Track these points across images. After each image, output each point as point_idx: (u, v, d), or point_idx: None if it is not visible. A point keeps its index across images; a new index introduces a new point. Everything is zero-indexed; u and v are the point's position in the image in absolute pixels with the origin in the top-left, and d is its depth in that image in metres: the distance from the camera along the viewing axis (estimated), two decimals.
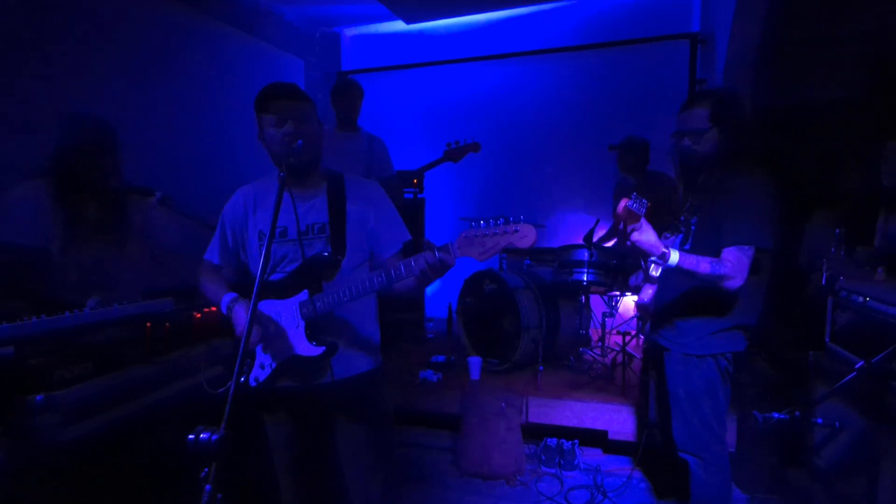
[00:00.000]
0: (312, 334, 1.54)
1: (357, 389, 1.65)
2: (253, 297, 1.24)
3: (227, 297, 1.59)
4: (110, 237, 2.11)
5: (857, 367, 1.72)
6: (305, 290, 1.55)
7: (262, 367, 1.59)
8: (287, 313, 1.57)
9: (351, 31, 5.56)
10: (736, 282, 1.74)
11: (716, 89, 3.44)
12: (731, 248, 1.76)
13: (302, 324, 1.55)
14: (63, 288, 1.92)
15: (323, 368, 1.59)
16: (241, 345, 1.19)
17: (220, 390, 1.51)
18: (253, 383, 1.59)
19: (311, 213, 1.62)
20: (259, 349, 1.60)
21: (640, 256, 1.86)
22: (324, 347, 1.53)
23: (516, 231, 1.33)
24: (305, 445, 1.70)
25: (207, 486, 1.01)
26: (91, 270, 2.02)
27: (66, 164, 2.00)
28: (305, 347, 1.54)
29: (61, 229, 1.97)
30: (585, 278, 3.43)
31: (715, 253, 1.78)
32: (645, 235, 1.70)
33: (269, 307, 1.59)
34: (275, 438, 1.70)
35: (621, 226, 1.75)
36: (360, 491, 1.69)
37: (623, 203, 1.68)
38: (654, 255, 1.72)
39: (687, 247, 1.95)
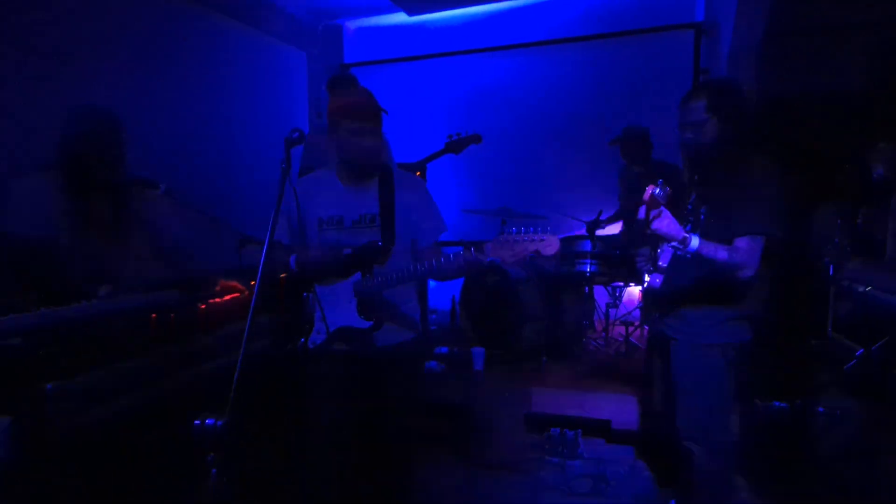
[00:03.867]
0: (362, 310, 1.79)
1: (393, 356, 1.88)
2: (255, 287, 1.33)
3: (293, 257, 1.83)
4: (116, 229, 2.13)
5: (857, 355, 1.73)
6: (359, 273, 1.78)
7: (318, 333, 1.87)
8: (343, 290, 1.82)
9: (353, 24, 5.54)
10: (748, 271, 1.76)
11: (713, 79, 3.42)
12: (743, 238, 1.78)
13: (353, 300, 1.80)
14: (70, 278, 1.94)
15: (368, 338, 1.84)
16: (248, 324, 1.28)
17: (301, 342, 1.88)
18: (311, 346, 1.88)
19: (364, 204, 1.85)
20: (317, 318, 1.86)
21: (655, 245, 1.88)
22: (371, 322, 1.78)
23: (542, 240, 1.50)
24: (344, 399, 1.89)
25: (213, 470, 1.03)
26: (97, 262, 2.03)
27: (73, 155, 2.02)
28: (354, 320, 1.79)
29: (68, 221, 1.99)
30: (588, 269, 3.44)
31: (724, 242, 1.80)
32: (666, 222, 1.74)
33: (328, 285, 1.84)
34: (320, 390, 1.91)
35: (642, 213, 1.76)
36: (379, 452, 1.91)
37: (650, 190, 1.72)
38: (675, 241, 1.75)
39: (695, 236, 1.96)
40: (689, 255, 1.78)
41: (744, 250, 1.76)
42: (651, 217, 1.73)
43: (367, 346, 1.85)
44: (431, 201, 1.95)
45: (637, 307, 3.88)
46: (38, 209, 1.97)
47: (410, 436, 2.00)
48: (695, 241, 1.75)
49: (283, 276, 2.19)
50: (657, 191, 1.70)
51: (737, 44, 3.65)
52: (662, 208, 1.73)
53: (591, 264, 3.44)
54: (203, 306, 2.08)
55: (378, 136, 1.80)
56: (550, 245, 1.49)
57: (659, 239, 1.81)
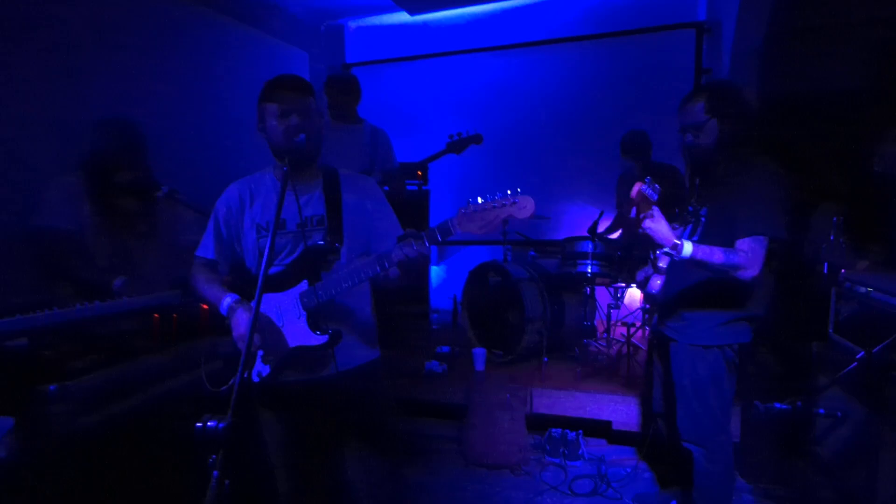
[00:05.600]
0: (315, 324, 1.55)
1: (358, 381, 1.65)
2: (258, 290, 1.24)
3: (228, 299, 1.56)
4: (136, 228, 2.25)
5: (857, 357, 1.72)
6: (305, 281, 1.55)
7: (264, 362, 1.59)
8: (287, 306, 1.57)
9: (354, 23, 5.55)
10: (751, 272, 1.74)
11: (712, 81, 3.41)
12: (745, 239, 1.77)
13: (304, 314, 1.55)
14: (93, 272, 2.07)
15: (326, 359, 1.60)
16: (246, 344, 1.18)
17: (223, 388, 1.51)
18: (256, 379, 1.58)
19: (309, 206, 1.63)
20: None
21: (650, 246, 1.86)
22: (327, 336, 1.53)
23: (515, 203, 1.33)
24: (308, 440, 1.70)
25: (215, 473, 1.04)
26: (118, 258, 2.16)
27: (100, 162, 2.19)
28: (309, 337, 1.54)
29: (93, 219, 2.13)
30: (590, 270, 3.43)
31: (726, 244, 1.79)
32: (657, 225, 1.70)
33: (268, 301, 1.58)
34: (275, 434, 1.68)
35: (633, 213, 1.74)
36: (365, 484, 1.70)
37: (637, 187, 1.67)
38: (666, 247, 1.73)
39: (696, 238, 1.96)
40: (684, 261, 1.76)
41: (746, 251, 1.75)
42: (642, 217, 1.71)
43: (325, 370, 1.60)
44: (385, 202, 1.75)
45: (638, 308, 3.87)
46: (69, 207, 2.12)
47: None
48: (688, 248, 1.72)
49: (205, 307, 2.02)
50: (645, 187, 1.66)
51: (739, 43, 3.64)
52: (655, 209, 1.70)
53: (592, 265, 3.44)
54: (205, 307, 2.09)
55: (306, 117, 1.54)
56: (525, 207, 1.32)
57: (653, 240, 1.78)
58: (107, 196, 2.19)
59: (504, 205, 1.33)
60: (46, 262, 2.11)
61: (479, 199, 1.37)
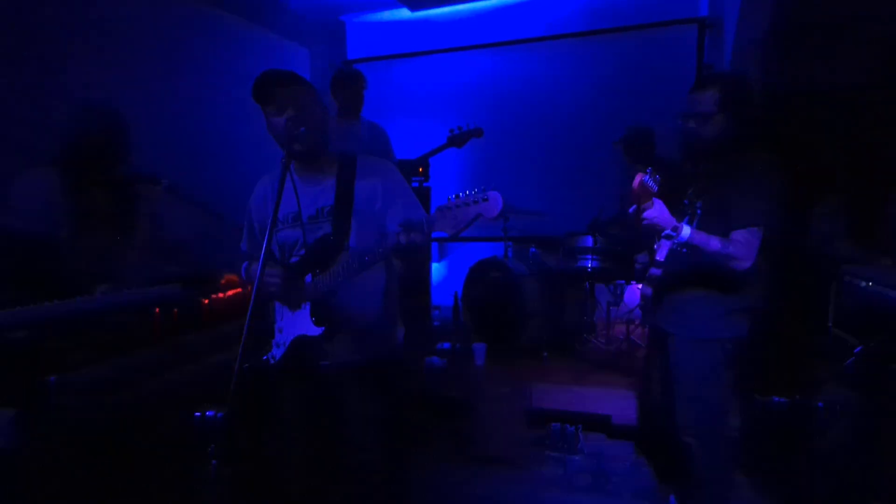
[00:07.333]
0: (315, 315, 1.59)
1: (353, 378, 1.67)
2: (254, 286, 1.30)
3: (245, 264, 1.78)
4: (118, 226, 2.15)
5: (856, 350, 1.73)
6: (311, 272, 1.59)
7: (277, 346, 1.67)
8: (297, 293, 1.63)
9: (356, 20, 5.55)
10: (744, 263, 1.75)
11: (726, 73, 3.39)
12: (740, 231, 1.77)
13: (307, 305, 1.60)
14: (71, 276, 1.94)
15: (326, 350, 1.63)
16: (244, 333, 1.24)
17: (246, 366, 1.52)
18: (272, 361, 1.68)
19: (321, 197, 1.65)
20: (276, 329, 1.69)
21: (650, 235, 1.86)
22: (323, 328, 1.57)
23: (486, 199, 1.30)
24: (308, 422, 1.75)
25: (214, 462, 1.05)
26: (99, 258, 2.04)
27: (76, 153, 2.04)
28: (308, 327, 1.59)
29: (70, 218, 2.00)
30: (590, 266, 3.43)
31: (721, 236, 1.79)
32: (658, 211, 1.71)
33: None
34: (282, 413, 1.76)
35: (632, 209, 1.75)
36: (358, 470, 1.73)
37: (639, 178, 1.67)
38: (667, 229, 1.73)
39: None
40: (681, 244, 1.77)
41: (740, 242, 1.75)
42: (642, 208, 1.72)
43: (315, 361, 1.65)
44: (403, 186, 1.71)
45: (637, 305, 3.87)
46: (40, 206, 1.98)
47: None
48: (686, 230, 1.73)
49: (205, 301, 2.12)
50: (646, 178, 1.66)
51: (741, 39, 3.62)
52: (654, 199, 1.71)
53: (592, 261, 3.44)
54: (206, 301, 2.10)
55: (301, 107, 1.54)
56: (493, 204, 1.30)
57: (653, 231, 1.79)
58: (86, 191, 2.02)
59: (478, 201, 1.31)
60: (15, 268, 1.91)
61: (453, 196, 1.35)
